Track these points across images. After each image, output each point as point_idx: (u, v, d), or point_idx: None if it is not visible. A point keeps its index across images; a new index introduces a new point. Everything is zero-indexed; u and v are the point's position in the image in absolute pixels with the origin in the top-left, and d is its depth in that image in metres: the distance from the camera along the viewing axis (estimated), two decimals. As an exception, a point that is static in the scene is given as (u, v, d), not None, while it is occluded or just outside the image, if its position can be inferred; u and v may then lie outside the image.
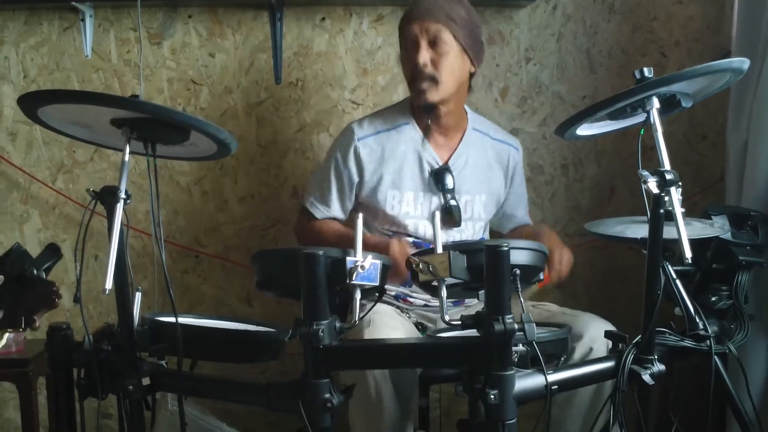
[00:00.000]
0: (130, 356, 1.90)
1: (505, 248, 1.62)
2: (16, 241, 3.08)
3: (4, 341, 1.23)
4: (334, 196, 2.59)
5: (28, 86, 3.08)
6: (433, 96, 2.44)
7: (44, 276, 1.22)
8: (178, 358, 1.87)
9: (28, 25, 3.06)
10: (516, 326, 1.61)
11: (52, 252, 1.25)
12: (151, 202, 1.85)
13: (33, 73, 3.08)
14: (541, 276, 1.86)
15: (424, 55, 2.42)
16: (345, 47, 3.10)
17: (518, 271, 1.69)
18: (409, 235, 2.53)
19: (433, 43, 2.43)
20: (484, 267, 1.64)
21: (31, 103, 1.80)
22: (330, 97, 3.11)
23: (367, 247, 1.84)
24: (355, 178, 2.56)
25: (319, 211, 2.61)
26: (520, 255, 1.74)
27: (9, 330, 1.20)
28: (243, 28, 3.08)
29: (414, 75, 2.44)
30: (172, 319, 1.90)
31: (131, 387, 1.88)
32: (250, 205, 3.16)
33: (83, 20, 3.03)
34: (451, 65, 2.44)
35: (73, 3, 2.95)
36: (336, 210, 2.60)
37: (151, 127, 1.82)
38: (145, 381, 1.90)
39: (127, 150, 1.83)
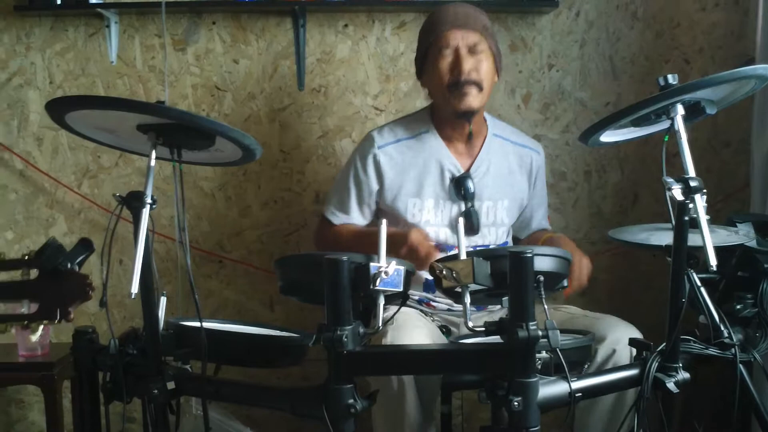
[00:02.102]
0: (155, 360, 1.92)
1: (529, 255, 1.62)
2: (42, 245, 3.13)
3: (39, 333, 1.24)
4: (354, 203, 2.60)
5: (53, 92, 3.11)
6: (475, 102, 2.47)
7: (77, 269, 1.23)
8: (202, 362, 1.88)
9: (54, 31, 3.10)
10: (540, 333, 1.61)
11: (85, 246, 1.27)
12: (176, 207, 1.87)
13: (59, 78, 3.11)
14: (565, 283, 1.86)
15: (469, 62, 2.46)
16: (368, 53, 3.12)
17: (542, 278, 1.69)
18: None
19: (473, 51, 2.47)
20: (508, 273, 1.64)
21: (59, 109, 1.82)
22: (352, 103, 3.13)
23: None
24: (375, 186, 2.56)
25: (338, 219, 2.62)
26: (544, 262, 1.74)
27: (45, 322, 1.22)
28: (266, 35, 3.10)
29: (456, 81, 2.46)
30: (196, 324, 1.91)
31: (156, 391, 1.89)
32: (272, 210, 3.17)
33: (108, 26, 3.05)
34: (488, 73, 2.49)
35: (99, 9, 2.98)
36: (355, 218, 2.61)
37: (177, 132, 1.83)
38: (170, 385, 1.91)
39: (153, 155, 1.85)
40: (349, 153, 2.84)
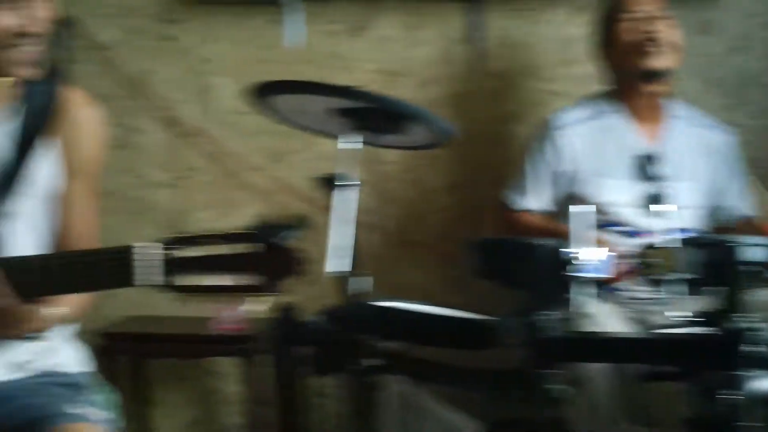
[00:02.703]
0: (358, 337, 1.97)
1: (741, 243, 1.57)
2: (233, 225, 3.25)
3: (266, 307, 1.31)
4: (534, 187, 2.59)
5: (239, 78, 3.22)
6: (663, 62, 2.44)
7: (293, 245, 1.29)
8: (404, 342, 1.92)
9: (238, 19, 3.21)
10: (753, 325, 1.56)
11: (301, 222, 1.32)
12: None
13: (243, 65, 3.22)
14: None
15: (658, 23, 2.47)
16: (546, 37, 3.08)
17: (756, 268, 1.63)
18: (615, 224, 2.49)
19: (660, 17, 2.49)
20: (718, 263, 1.60)
21: (261, 93, 1.89)
22: (532, 87, 3.10)
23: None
24: (556, 169, 2.55)
25: (520, 203, 2.61)
26: (758, 252, 1.68)
27: (264, 295, 1.28)
28: (445, 19, 3.11)
29: (641, 42, 2.44)
30: (397, 304, 1.96)
31: (360, 368, 1.94)
32: (456, 194, 3.19)
33: (289, 14, 3.13)
34: (674, 44, 2.48)
35: (281, -1, 3.08)
36: (536, 202, 2.60)
37: (370, 117, 1.88)
38: (373, 362, 1.96)
39: (345, 139, 1.90)
40: (529, 137, 2.83)
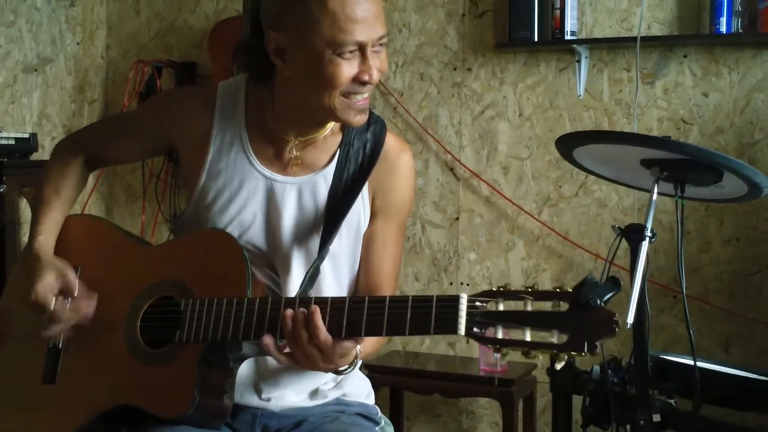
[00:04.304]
0: (642, 391, 1.94)
1: None
2: (501, 268, 3.32)
3: (563, 363, 1.31)
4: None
5: (522, 124, 3.29)
6: None
7: (605, 305, 1.28)
8: (693, 399, 1.87)
9: (526, 66, 3.28)
10: None
11: (614, 284, 1.31)
12: (678, 244, 1.87)
13: (528, 111, 3.28)
14: None
15: None
16: None
17: None
18: None
19: None
20: None
21: (569, 143, 1.92)
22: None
23: None
24: None
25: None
26: None
27: (573, 353, 1.28)
28: (740, 67, 3.00)
29: None
30: (684, 360, 1.91)
31: (642, 422, 1.91)
32: (735, 247, 3.05)
33: (579, 61, 3.16)
34: None
35: (573, 45, 3.10)
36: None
37: (683, 167, 1.85)
38: (656, 417, 1.92)
39: (656, 190, 1.88)
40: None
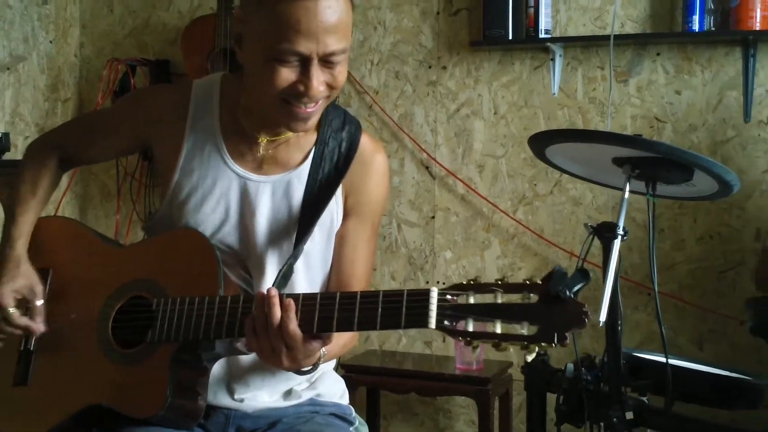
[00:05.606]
0: (615, 389, 1.95)
1: None
2: (477, 266, 3.32)
3: (533, 356, 1.31)
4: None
5: (497, 122, 3.30)
6: None
7: (575, 297, 1.29)
8: (666, 397, 1.88)
9: (501, 64, 3.29)
10: None
11: (583, 276, 1.32)
12: (650, 241, 1.88)
13: (503, 109, 3.29)
14: None
15: None
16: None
17: None
18: None
19: None
20: None
21: (541, 142, 1.92)
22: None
23: None
24: None
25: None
26: None
27: (543, 344, 1.28)
28: (713, 65, 3.03)
29: None
30: (657, 357, 1.92)
31: (615, 419, 1.92)
32: (708, 245, 3.08)
33: (553, 59, 3.18)
34: None
35: (547, 44, 3.11)
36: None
37: (655, 166, 1.86)
38: (629, 415, 1.93)
39: (627, 188, 1.89)
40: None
